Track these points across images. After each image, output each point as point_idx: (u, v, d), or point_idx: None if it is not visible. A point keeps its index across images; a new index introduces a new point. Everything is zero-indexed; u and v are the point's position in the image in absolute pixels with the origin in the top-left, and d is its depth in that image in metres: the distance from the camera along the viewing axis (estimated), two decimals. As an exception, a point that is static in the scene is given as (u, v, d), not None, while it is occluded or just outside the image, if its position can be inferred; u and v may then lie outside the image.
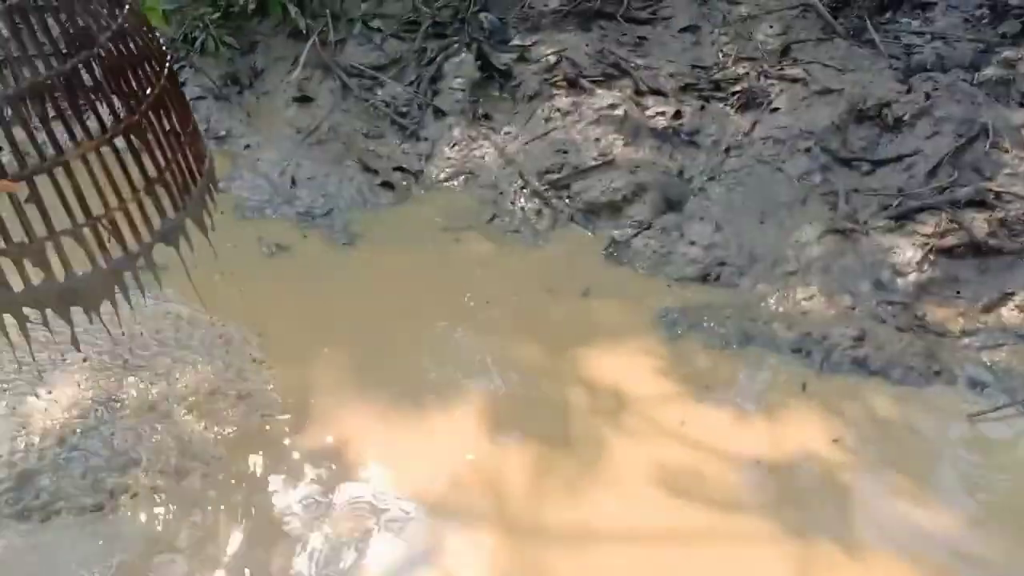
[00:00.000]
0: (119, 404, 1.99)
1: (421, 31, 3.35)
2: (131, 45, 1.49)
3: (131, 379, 2.04)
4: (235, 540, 1.75)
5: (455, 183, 2.88)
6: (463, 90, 3.13)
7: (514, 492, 1.84)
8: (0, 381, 2.04)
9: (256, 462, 1.90)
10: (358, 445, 1.94)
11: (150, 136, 1.53)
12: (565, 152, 2.84)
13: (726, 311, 2.33)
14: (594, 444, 1.95)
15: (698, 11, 3.33)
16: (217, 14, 3.37)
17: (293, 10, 3.27)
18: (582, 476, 1.88)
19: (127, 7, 1.49)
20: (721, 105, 2.96)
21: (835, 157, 2.69)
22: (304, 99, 3.17)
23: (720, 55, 3.17)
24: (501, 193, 2.81)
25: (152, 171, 1.53)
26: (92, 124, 1.45)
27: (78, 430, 1.93)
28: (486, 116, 3.08)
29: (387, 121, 3.11)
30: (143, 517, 1.78)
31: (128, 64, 1.50)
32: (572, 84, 3.07)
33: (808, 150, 2.71)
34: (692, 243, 2.53)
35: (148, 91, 1.52)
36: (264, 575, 1.69)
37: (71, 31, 1.43)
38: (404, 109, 3.13)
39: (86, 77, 1.46)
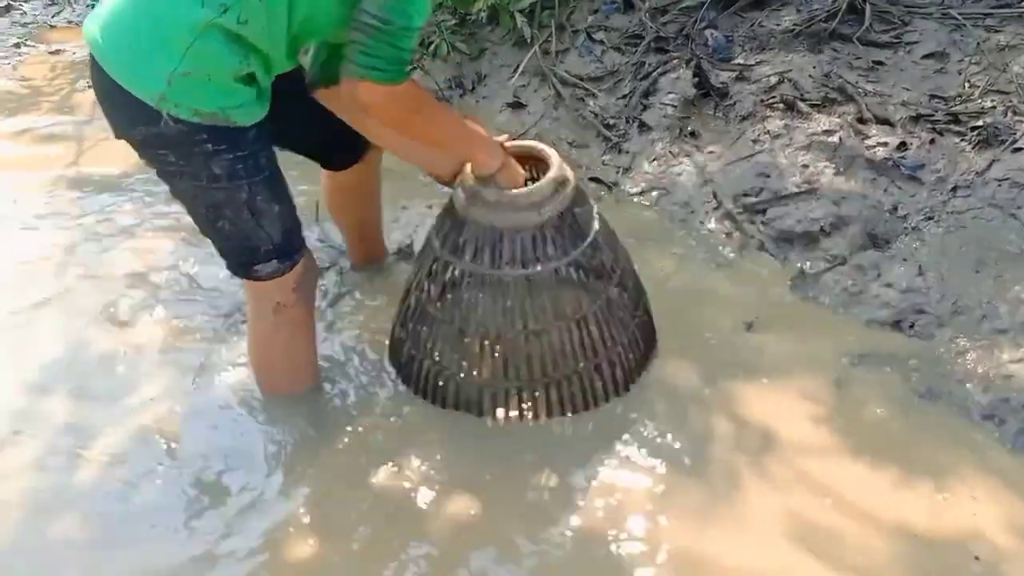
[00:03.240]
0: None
1: (642, 45, 3.33)
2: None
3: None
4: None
5: (648, 198, 2.83)
6: (674, 106, 3.07)
7: (630, 509, 1.78)
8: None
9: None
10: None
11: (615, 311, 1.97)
12: (767, 176, 2.71)
13: (913, 363, 2.10)
14: (728, 481, 1.84)
15: (948, 37, 3.03)
16: (454, 21, 3.57)
17: (521, 20, 3.38)
18: (706, 510, 1.77)
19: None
20: (956, 140, 2.67)
21: (1083, 207, 2.34)
22: (517, 105, 3.27)
23: (966, 86, 2.86)
24: (692, 212, 2.73)
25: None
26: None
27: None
28: (692, 134, 3.00)
29: (593, 132, 3.13)
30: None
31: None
32: (789, 107, 2.91)
33: (1051, 197, 2.38)
34: (888, 285, 2.31)
35: (612, 270, 1.97)
36: None
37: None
38: (612, 121, 3.13)
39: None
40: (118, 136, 1.74)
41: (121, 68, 1.61)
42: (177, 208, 2.75)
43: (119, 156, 3.13)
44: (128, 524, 1.79)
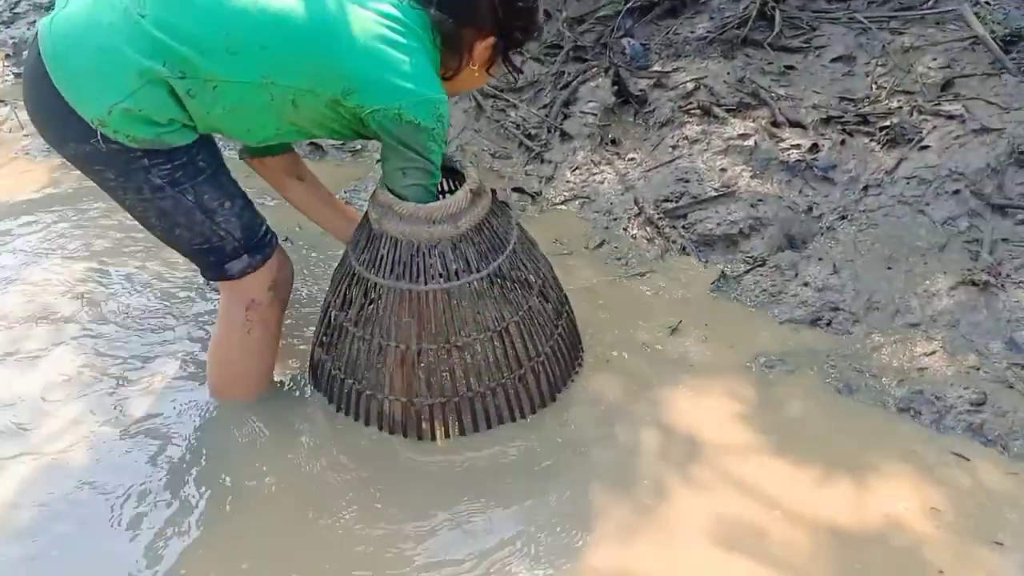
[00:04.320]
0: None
1: (561, 54, 3.35)
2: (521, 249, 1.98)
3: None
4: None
5: (570, 206, 2.84)
6: (594, 115, 3.09)
7: (558, 527, 1.76)
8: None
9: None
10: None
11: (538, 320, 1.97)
12: (686, 181, 2.74)
13: (831, 359, 2.14)
14: (655, 489, 1.84)
15: (855, 41, 3.12)
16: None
17: None
18: (635, 520, 1.77)
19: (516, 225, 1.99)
20: (866, 140, 2.75)
21: (987, 202, 2.42)
22: (438, 118, 3.25)
23: (873, 87, 2.95)
24: (615, 219, 2.74)
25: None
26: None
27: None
28: (613, 141, 3.03)
29: (515, 142, 3.13)
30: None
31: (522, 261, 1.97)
32: (706, 112, 2.96)
33: (957, 192, 2.46)
34: (806, 284, 2.35)
35: (533, 280, 1.96)
36: None
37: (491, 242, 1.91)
38: (533, 131, 3.14)
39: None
40: (53, 147, 1.73)
41: (67, 82, 1.59)
42: (85, 234, 2.69)
43: (25, 181, 3.05)
44: (37, 562, 1.71)
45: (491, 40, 1.81)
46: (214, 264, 1.83)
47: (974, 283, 2.21)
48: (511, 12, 1.79)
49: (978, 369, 2.03)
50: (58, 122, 1.64)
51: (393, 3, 1.76)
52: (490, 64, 1.87)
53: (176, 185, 1.69)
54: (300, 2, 1.65)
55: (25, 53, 1.70)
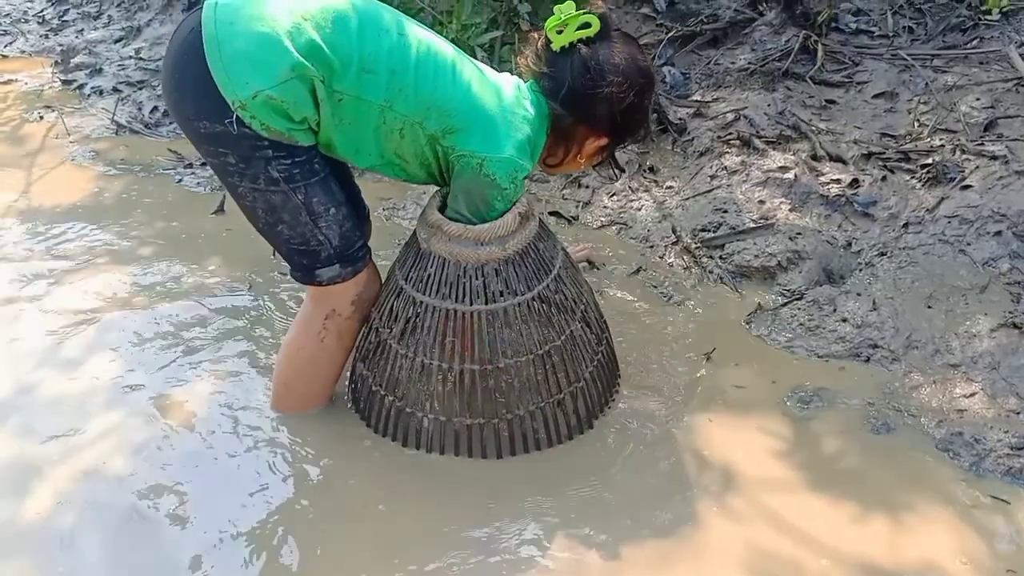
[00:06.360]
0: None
1: (602, 81, 3.37)
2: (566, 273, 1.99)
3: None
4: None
5: (607, 232, 2.85)
6: (633, 141, 3.10)
7: (590, 553, 1.76)
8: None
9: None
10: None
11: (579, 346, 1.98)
12: (724, 211, 2.74)
13: (869, 397, 2.13)
14: (690, 518, 1.83)
15: (898, 77, 3.12)
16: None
17: (481, 55, 3.39)
18: (667, 550, 1.76)
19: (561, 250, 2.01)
20: (907, 177, 2.74)
21: (1029, 244, 2.41)
22: (478, 139, 3.28)
23: (915, 124, 2.94)
24: (651, 246, 2.75)
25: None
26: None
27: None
28: (651, 169, 3.04)
29: (554, 166, 3.14)
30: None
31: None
32: (745, 143, 2.97)
33: (999, 234, 2.45)
34: (844, 320, 2.34)
35: (576, 305, 1.96)
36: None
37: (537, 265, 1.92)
38: (572, 156, 3.15)
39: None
40: (180, 124, 1.80)
41: (220, 63, 1.65)
42: (129, 241, 2.73)
43: (70, 187, 3.11)
44: (77, 567, 1.73)
45: (604, 141, 1.90)
46: (306, 267, 1.87)
47: (1015, 326, 2.19)
48: (628, 121, 1.88)
49: (1018, 413, 2.02)
50: (198, 99, 1.69)
51: (521, 83, 1.86)
52: (595, 160, 1.97)
53: (291, 181, 1.75)
54: (439, 44, 1.77)
55: (175, 31, 1.77)
